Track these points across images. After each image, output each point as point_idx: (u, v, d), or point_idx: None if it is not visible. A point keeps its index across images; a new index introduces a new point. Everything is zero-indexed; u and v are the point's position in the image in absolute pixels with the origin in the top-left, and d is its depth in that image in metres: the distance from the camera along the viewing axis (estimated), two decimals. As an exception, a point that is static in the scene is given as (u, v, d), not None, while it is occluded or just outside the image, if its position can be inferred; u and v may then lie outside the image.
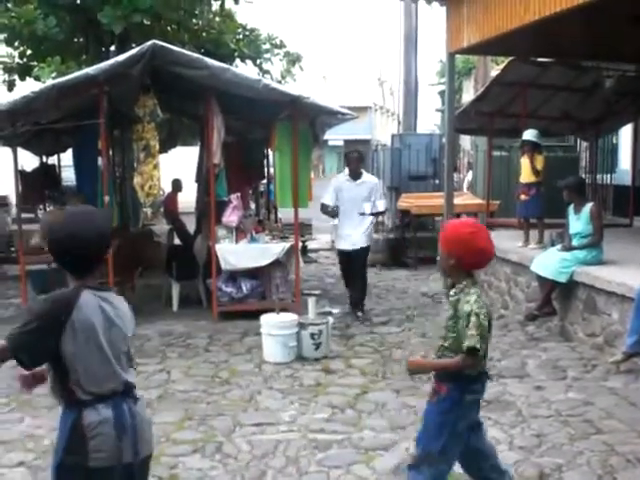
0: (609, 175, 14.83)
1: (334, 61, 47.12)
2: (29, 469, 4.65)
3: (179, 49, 8.51)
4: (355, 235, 8.64)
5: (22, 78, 12.88)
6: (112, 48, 12.61)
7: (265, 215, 12.55)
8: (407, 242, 13.43)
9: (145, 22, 12.04)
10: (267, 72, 14.34)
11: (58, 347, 2.57)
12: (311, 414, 5.57)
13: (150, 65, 7.97)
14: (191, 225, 12.21)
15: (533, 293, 8.24)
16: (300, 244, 10.09)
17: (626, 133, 14.88)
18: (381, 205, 8.80)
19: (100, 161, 8.86)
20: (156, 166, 8.52)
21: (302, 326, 7.02)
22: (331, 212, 8.86)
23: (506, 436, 5.02)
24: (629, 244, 9.15)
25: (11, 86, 12.99)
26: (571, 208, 7.74)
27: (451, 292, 3.53)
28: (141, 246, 10.32)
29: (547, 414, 5.46)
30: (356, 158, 8.81)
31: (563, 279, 7.47)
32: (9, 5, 12.45)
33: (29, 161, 13.54)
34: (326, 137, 11.48)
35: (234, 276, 8.94)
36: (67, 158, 12.00)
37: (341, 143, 45.76)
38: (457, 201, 11.94)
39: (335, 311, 8.88)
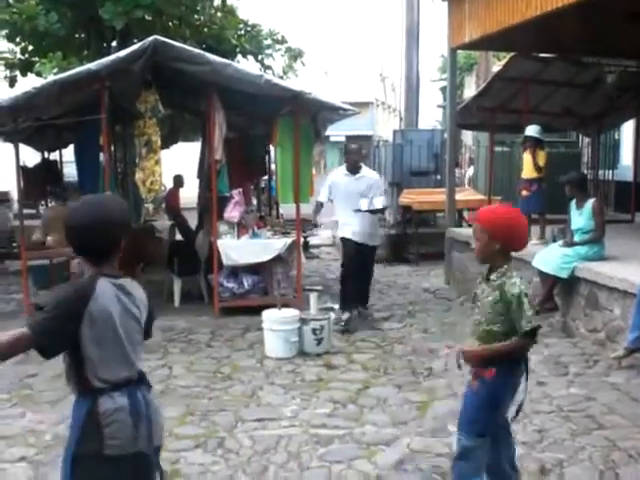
0: (611, 171, 14.81)
1: (336, 57, 46.95)
2: (30, 464, 4.66)
3: (181, 45, 8.51)
4: (356, 225, 8.15)
5: (24, 74, 12.88)
6: (113, 44, 12.63)
7: (266, 211, 12.55)
8: (409, 238, 13.42)
9: (146, 18, 12.05)
10: (269, 68, 14.35)
11: (77, 335, 2.58)
12: (313, 409, 5.58)
13: (152, 61, 7.96)
14: (193, 221, 12.21)
15: (535, 289, 8.23)
16: (302, 240, 10.08)
17: (628, 129, 14.85)
18: (379, 202, 8.15)
19: (102, 157, 8.86)
20: (158, 162, 8.52)
21: (304, 321, 7.02)
22: (314, 212, 8.66)
23: (508, 431, 5.02)
24: (631, 240, 9.15)
25: (13, 82, 13.00)
26: (573, 204, 7.74)
27: (492, 277, 3.56)
28: (143, 242, 10.30)
29: (549, 409, 5.46)
30: (355, 151, 8.33)
31: (565, 275, 7.47)
32: (10, 1, 12.46)
33: (31, 157, 13.58)
34: (328, 133, 11.46)
35: (236, 272, 8.94)
36: (69, 154, 11.99)
37: (343, 139, 45.67)
38: (459, 197, 11.93)
39: (337, 307, 8.86)
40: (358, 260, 8.26)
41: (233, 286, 8.86)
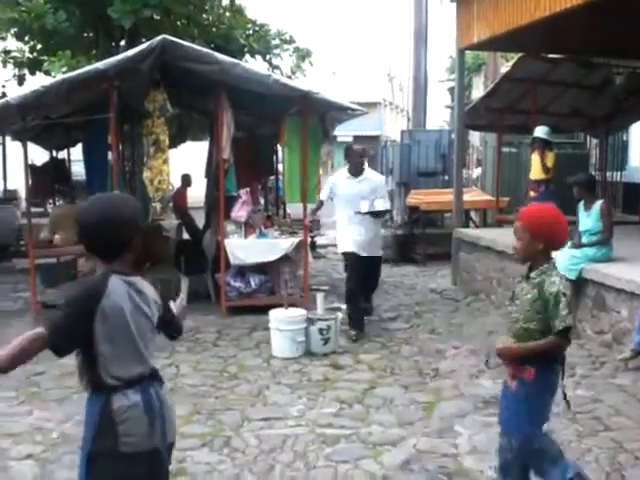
0: (619, 172, 14.78)
1: (344, 57, 46.92)
2: (37, 462, 4.67)
3: (189, 44, 8.51)
4: (354, 231, 7.87)
5: (32, 72, 12.93)
6: (122, 43, 12.65)
7: (274, 210, 12.56)
8: (416, 238, 13.40)
9: (155, 17, 12.08)
10: (277, 67, 14.36)
11: (90, 332, 2.58)
12: (319, 409, 5.58)
13: (160, 60, 7.98)
14: (200, 220, 12.22)
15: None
16: (309, 239, 10.07)
17: (636, 130, 14.84)
18: (380, 204, 7.83)
19: (110, 156, 8.87)
20: (165, 161, 8.53)
21: (311, 321, 7.02)
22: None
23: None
24: (639, 241, 9.11)
25: (21, 80, 13.06)
26: (581, 205, 7.72)
27: (532, 275, 3.58)
28: (150, 241, 10.30)
29: (555, 411, 5.43)
30: (357, 152, 8.06)
31: (572, 276, 7.44)
32: (19, -1, 12.49)
33: (39, 155, 13.63)
34: (335, 133, 11.44)
35: (243, 271, 8.95)
36: (77, 152, 12.03)
37: (350, 139, 45.65)
38: (466, 197, 11.91)
39: (344, 307, 8.84)
40: (364, 275, 7.97)
41: (240, 285, 8.86)
